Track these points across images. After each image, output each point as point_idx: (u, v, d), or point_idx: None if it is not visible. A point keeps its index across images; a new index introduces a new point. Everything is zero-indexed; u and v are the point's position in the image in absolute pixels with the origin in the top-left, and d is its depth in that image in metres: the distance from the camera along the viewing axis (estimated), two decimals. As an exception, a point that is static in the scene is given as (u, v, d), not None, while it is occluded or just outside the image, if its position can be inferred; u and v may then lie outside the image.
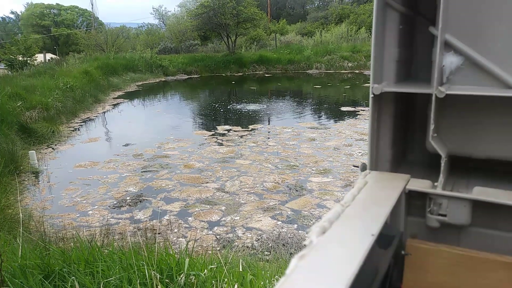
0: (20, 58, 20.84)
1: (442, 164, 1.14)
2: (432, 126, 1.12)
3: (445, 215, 1.09)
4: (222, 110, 13.93)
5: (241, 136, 9.90)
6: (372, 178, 1.10)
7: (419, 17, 1.33)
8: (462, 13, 1.08)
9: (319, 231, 0.75)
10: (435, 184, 1.13)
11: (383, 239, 0.91)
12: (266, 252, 4.50)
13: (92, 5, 52.20)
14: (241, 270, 2.88)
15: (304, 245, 0.71)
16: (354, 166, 7.08)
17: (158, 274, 2.64)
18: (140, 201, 6.08)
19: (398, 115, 1.30)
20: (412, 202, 1.14)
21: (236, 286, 2.58)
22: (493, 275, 0.97)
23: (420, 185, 1.12)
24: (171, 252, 3.05)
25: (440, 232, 1.12)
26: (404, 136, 1.42)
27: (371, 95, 1.16)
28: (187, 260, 2.81)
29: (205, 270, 2.73)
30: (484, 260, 0.98)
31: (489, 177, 1.22)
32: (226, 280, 2.66)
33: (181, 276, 2.64)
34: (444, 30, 1.07)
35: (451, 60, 1.09)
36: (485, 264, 0.97)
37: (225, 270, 2.72)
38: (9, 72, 19.65)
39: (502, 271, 0.95)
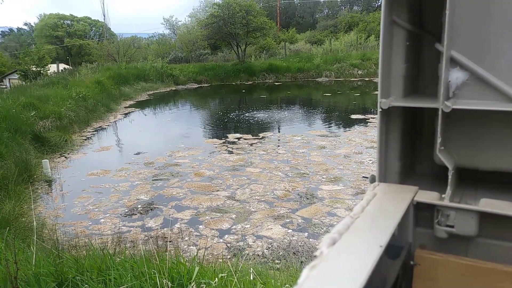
0: (34, 69, 21.21)
1: (449, 177, 1.15)
2: (439, 140, 1.14)
3: (452, 226, 1.10)
4: (232, 118, 14.01)
5: (251, 144, 9.93)
6: (381, 190, 1.12)
7: (426, 34, 1.35)
8: (467, 30, 1.10)
9: (329, 242, 0.77)
10: (443, 196, 1.14)
11: (392, 250, 0.93)
12: (277, 261, 4.49)
13: (104, 16, 53.13)
14: (251, 278, 2.89)
15: (315, 255, 0.74)
16: (364, 177, 7.05)
17: (169, 282, 2.66)
18: (151, 209, 6.12)
19: (406, 128, 1.32)
20: (420, 213, 1.15)
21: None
22: (500, 285, 0.97)
23: (428, 196, 1.13)
24: (182, 261, 3.07)
25: (448, 243, 1.13)
26: (412, 148, 1.43)
27: (379, 110, 1.19)
28: (196, 268, 2.83)
29: (216, 279, 2.74)
30: (492, 271, 0.98)
31: (497, 188, 1.23)
32: (236, 288, 2.67)
33: (192, 285, 2.66)
34: (450, 47, 1.10)
35: (457, 76, 1.11)
36: (492, 275, 0.98)
37: (235, 279, 2.73)
38: (23, 83, 20.01)
39: (508, 281, 0.96)
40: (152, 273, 2.76)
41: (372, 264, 0.70)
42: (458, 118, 1.18)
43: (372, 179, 1.28)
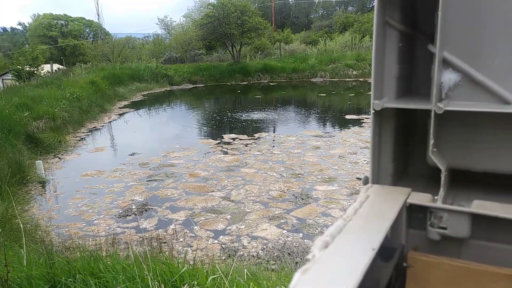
0: (27, 69, 21.06)
1: (442, 178, 1.15)
2: (431, 141, 1.14)
3: (445, 228, 1.10)
4: (227, 119, 13.99)
5: (246, 145, 9.92)
6: (374, 192, 1.12)
7: (419, 35, 1.35)
8: (459, 31, 1.10)
9: (321, 245, 0.76)
10: (436, 197, 1.14)
11: (385, 252, 0.92)
12: (272, 262, 4.48)
13: (98, 16, 52.69)
14: (245, 279, 2.88)
15: (307, 259, 0.73)
16: (357, 178, 7.06)
17: (162, 284, 2.64)
18: (146, 210, 6.09)
19: (399, 130, 1.31)
20: (413, 215, 1.15)
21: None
22: (493, 286, 0.97)
23: (420, 198, 1.13)
24: (175, 262, 3.06)
25: (441, 245, 1.13)
26: (405, 150, 1.43)
27: (372, 111, 1.18)
28: (186, 269, 2.82)
29: (208, 280, 2.73)
30: (484, 272, 0.98)
31: (489, 190, 1.23)
32: (230, 290, 2.66)
33: (185, 287, 2.65)
34: (442, 48, 1.09)
35: (449, 77, 1.11)
36: (485, 276, 0.98)
37: (227, 281, 2.72)
38: (17, 83, 19.86)
39: (501, 282, 0.96)
40: (145, 275, 2.74)
41: (365, 267, 0.69)
42: (450, 120, 1.18)
43: (365, 181, 1.27)
